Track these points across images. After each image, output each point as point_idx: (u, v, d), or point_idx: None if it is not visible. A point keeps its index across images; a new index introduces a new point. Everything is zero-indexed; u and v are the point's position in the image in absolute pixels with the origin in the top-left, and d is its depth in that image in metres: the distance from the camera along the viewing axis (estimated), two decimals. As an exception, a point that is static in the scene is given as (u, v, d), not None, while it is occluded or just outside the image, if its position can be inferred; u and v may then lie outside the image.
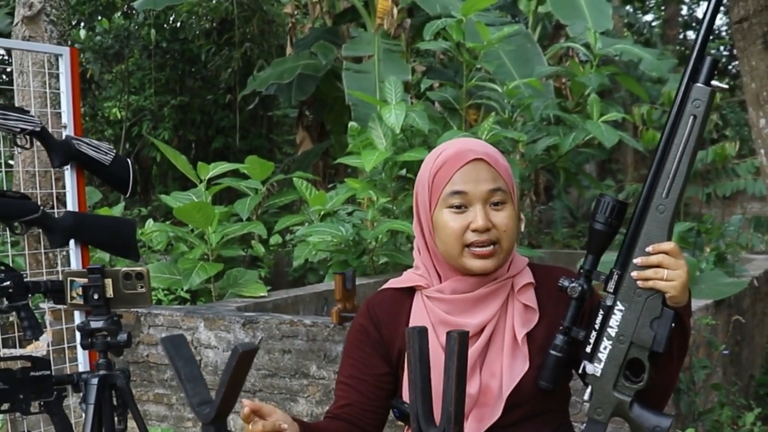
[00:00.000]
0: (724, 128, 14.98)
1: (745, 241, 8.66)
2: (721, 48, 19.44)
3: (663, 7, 20.09)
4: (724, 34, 19.89)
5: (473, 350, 1.83)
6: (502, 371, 1.83)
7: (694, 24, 20.61)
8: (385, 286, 2.01)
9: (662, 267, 1.72)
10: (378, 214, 6.23)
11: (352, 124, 6.88)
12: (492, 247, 1.83)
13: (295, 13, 11.58)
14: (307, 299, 5.49)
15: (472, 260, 1.83)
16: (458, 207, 1.84)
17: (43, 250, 4.12)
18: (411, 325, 1.89)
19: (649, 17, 20.71)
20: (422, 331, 1.62)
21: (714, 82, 1.74)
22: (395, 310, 1.95)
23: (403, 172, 6.64)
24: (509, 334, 1.85)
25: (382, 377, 1.93)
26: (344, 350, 2.00)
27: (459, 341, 1.62)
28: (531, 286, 1.90)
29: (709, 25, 1.75)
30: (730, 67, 19.64)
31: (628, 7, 17.84)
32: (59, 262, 4.93)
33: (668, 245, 1.72)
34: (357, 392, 1.93)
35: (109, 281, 2.57)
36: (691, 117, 1.72)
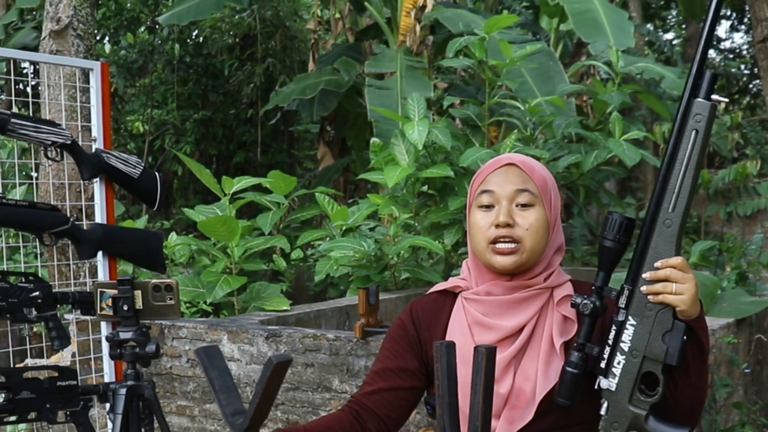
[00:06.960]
0: (745, 147, 14.91)
1: (766, 259, 8.61)
2: (742, 67, 19.37)
3: (684, 26, 20.06)
4: (745, 53, 19.84)
5: (509, 352, 1.90)
6: (536, 376, 1.89)
7: (714, 43, 20.55)
8: (432, 289, 2.11)
9: (670, 281, 1.74)
10: (400, 229, 6.25)
11: (374, 139, 6.88)
12: (513, 245, 1.90)
13: (318, 29, 11.64)
14: (329, 313, 5.51)
15: (495, 256, 1.92)
16: (487, 206, 1.94)
17: (70, 262, 4.16)
18: (450, 324, 2.00)
19: (669, 36, 20.68)
20: (450, 346, 1.64)
21: (714, 96, 1.77)
22: (436, 312, 2.05)
23: (425, 188, 6.65)
24: (546, 341, 1.91)
25: (409, 372, 2.03)
26: (382, 343, 2.10)
27: (486, 356, 1.64)
28: (570, 299, 1.94)
29: (707, 41, 1.79)
30: (750, 86, 19.58)
31: (649, 26, 17.82)
32: (84, 274, 4.97)
33: (676, 260, 1.75)
34: (384, 381, 2.03)
35: (138, 293, 2.60)
36: (693, 132, 1.76)
